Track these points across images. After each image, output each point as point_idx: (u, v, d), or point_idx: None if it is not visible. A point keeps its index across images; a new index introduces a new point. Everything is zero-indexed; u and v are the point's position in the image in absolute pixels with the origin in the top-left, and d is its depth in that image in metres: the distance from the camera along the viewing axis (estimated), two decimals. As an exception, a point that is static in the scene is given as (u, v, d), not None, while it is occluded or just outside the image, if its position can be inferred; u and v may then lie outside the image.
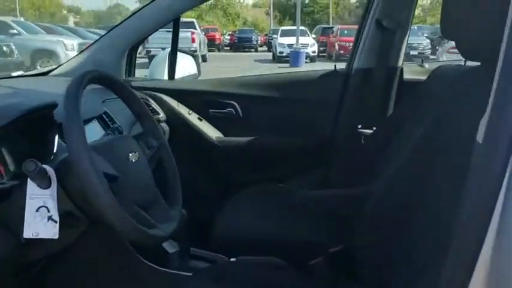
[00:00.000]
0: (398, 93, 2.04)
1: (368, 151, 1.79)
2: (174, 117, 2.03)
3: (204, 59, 17.15)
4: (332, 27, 21.97)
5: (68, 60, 2.06)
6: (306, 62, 16.34)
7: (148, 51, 13.92)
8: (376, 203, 1.26)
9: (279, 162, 2.12)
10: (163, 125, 2.00)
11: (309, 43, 18.10)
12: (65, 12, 43.08)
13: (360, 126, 2.00)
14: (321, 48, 19.82)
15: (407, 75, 2.05)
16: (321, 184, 2.09)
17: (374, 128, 1.95)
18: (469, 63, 1.56)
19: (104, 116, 1.47)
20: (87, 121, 1.31)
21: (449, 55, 10.27)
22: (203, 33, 19.41)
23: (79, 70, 1.98)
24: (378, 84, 1.99)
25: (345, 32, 18.66)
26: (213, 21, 33.89)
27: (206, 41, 19.22)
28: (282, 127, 2.11)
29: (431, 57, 12.90)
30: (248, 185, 1.83)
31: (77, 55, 2.04)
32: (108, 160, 0.96)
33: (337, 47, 17.98)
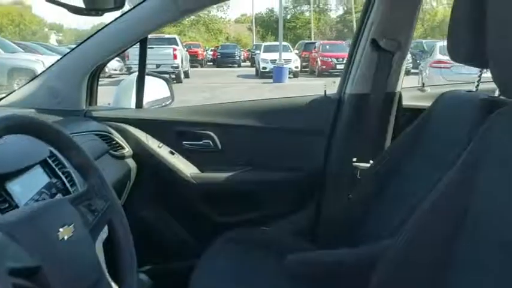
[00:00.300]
0: (397, 121, 1.80)
1: (365, 188, 1.55)
2: (141, 152, 1.77)
3: (187, 75, 16.91)
4: (314, 43, 21.99)
5: (19, 88, 1.78)
6: (289, 77, 16.23)
7: (129, 68, 13.61)
8: (395, 262, 0.99)
9: (264, 201, 1.86)
10: (129, 161, 1.73)
11: (292, 58, 18.01)
12: (46, 30, 42.44)
13: (355, 159, 1.76)
14: (304, 64, 19.76)
15: (406, 101, 1.82)
16: (311, 227, 1.83)
17: (371, 162, 1.71)
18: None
19: (49, 160, 1.19)
20: (27, 169, 1.03)
21: (432, 69, 10.19)
22: (185, 49, 19.18)
23: (30, 100, 1.71)
24: (373, 111, 1.75)
25: (327, 47, 18.72)
26: (196, 37, 33.76)
27: (188, 57, 18.99)
28: (266, 160, 1.86)
29: (412, 71, 12.85)
30: (229, 227, 1.59)
31: (28, 82, 1.76)
32: (27, 244, 0.69)
33: (319, 63, 17.94)
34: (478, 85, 1.33)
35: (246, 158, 1.86)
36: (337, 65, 16.86)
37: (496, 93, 1.19)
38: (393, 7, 1.64)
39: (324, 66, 17.42)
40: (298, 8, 38.35)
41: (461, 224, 0.85)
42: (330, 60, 17.46)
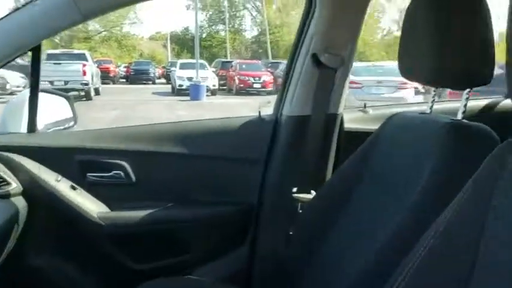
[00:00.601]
0: (339, 146, 1.61)
1: (307, 223, 1.33)
2: (34, 188, 1.40)
3: (97, 92, 16.04)
4: (231, 62, 22.02)
5: None
6: (206, 95, 15.99)
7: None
8: None
9: (188, 243, 1.57)
10: (18, 200, 1.36)
11: (209, 76, 17.82)
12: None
13: (294, 189, 1.53)
14: (221, 82, 19.67)
15: (348, 124, 1.63)
16: (246, 270, 1.57)
17: (313, 192, 1.50)
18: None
19: None
20: None
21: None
22: (96, 65, 18.25)
23: None
24: (314, 135, 1.55)
25: (244, 66, 18.82)
26: (108, 53, 32.47)
27: (99, 73, 18.07)
28: (191, 194, 1.58)
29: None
30: (148, 276, 1.30)
31: None
32: None
33: (237, 81, 17.95)
34: (432, 106, 1.18)
35: (166, 191, 1.56)
36: (254, 84, 17.10)
37: (459, 116, 1.04)
38: (336, 18, 1.45)
39: (242, 85, 17.50)
40: (213, 27, 38.48)
41: None
42: (248, 79, 17.57)
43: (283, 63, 19.84)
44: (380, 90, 10.83)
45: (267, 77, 17.69)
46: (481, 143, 0.92)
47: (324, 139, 1.56)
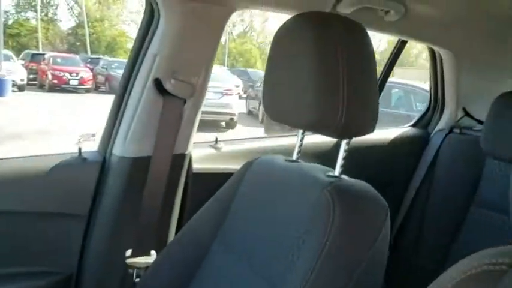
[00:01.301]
0: (185, 191, 1.31)
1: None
2: None
3: None
4: (43, 54, 19.83)
5: None
6: (13, 91, 14.00)
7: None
8: None
9: None
10: None
11: (16, 69, 15.70)
12: None
13: (128, 252, 1.18)
14: (31, 76, 17.54)
15: (198, 163, 1.34)
16: None
17: (153, 254, 1.19)
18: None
19: None
20: None
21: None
22: None
23: None
24: (154, 181, 1.22)
25: (58, 60, 17.15)
26: None
27: None
28: None
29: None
30: None
31: None
32: None
33: (50, 76, 16.21)
34: (299, 151, 0.98)
35: None
36: (71, 81, 15.68)
37: (336, 173, 0.87)
38: (186, 36, 1.14)
39: (56, 81, 15.85)
40: (22, 13, 34.35)
41: None
42: (63, 74, 16.00)
43: (104, 59, 18.73)
44: (207, 96, 10.64)
45: (85, 74, 16.36)
46: (367, 208, 0.78)
47: (168, 186, 1.23)
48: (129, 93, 1.19)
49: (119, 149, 1.20)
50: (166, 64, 1.15)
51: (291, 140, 1.48)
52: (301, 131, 0.97)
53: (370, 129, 0.81)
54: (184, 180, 1.29)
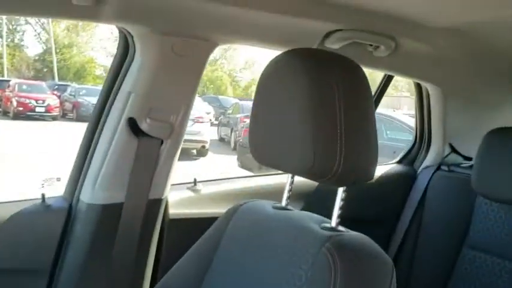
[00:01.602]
0: (160, 240, 1.19)
1: None
2: None
3: None
4: (8, 80, 19.35)
5: None
6: (-24, 118, 13.55)
7: None
8: None
9: None
10: None
11: (-22, 96, 15.27)
12: None
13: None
14: (-4, 103, 17.07)
15: (174, 209, 1.22)
16: None
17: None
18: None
19: None
20: None
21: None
22: None
23: None
24: (127, 230, 1.10)
25: (24, 87, 16.76)
26: None
27: None
28: None
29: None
30: None
31: None
32: None
33: (15, 103, 15.78)
34: (289, 196, 0.89)
35: None
36: (37, 108, 15.30)
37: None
38: (165, 71, 1.05)
39: (21, 108, 15.43)
40: (-14, 40, 33.69)
41: None
42: (29, 101, 15.61)
43: (72, 86, 18.40)
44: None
45: (52, 101, 16.01)
46: (371, 269, 0.71)
47: (141, 235, 1.12)
48: (100, 134, 1.08)
49: (88, 195, 1.08)
50: (142, 102, 1.05)
51: (276, 179, 1.40)
52: (290, 175, 0.89)
53: (371, 175, 0.73)
54: (159, 228, 1.18)
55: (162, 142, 1.10)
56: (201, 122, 10.43)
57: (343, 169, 0.69)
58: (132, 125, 1.05)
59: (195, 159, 9.11)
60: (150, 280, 1.17)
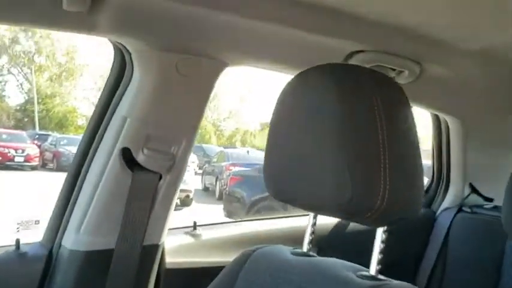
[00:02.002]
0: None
1: None
2: None
3: None
4: (-13, 130, 19.16)
5: None
6: (-51, 170, 13.18)
7: None
8: None
9: None
10: None
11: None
12: None
13: None
14: (-28, 153, 16.76)
15: (172, 257, 1.06)
16: None
17: None
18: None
19: None
20: None
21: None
22: None
23: None
24: (116, 280, 0.92)
25: (3, 136, 16.57)
26: None
27: None
28: None
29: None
30: None
31: None
32: None
33: (-7, 153, 15.54)
34: (311, 240, 0.75)
35: None
36: (16, 157, 15.03)
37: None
38: (167, 95, 0.92)
39: (0, 158, 15.18)
40: (-32, 88, 33.59)
41: None
42: (8, 151, 15.38)
43: (53, 136, 18.21)
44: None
45: (32, 150, 15.77)
46: None
47: (135, 286, 0.94)
48: (88, 167, 0.93)
49: (71, 240, 0.92)
50: (139, 129, 0.91)
51: (288, 222, 1.25)
52: (313, 214, 0.75)
53: (417, 210, 0.60)
54: (155, 278, 1.01)
55: (160, 177, 0.95)
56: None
57: (388, 204, 0.56)
58: (127, 156, 0.90)
59: (179, 209, 8.88)
60: None
